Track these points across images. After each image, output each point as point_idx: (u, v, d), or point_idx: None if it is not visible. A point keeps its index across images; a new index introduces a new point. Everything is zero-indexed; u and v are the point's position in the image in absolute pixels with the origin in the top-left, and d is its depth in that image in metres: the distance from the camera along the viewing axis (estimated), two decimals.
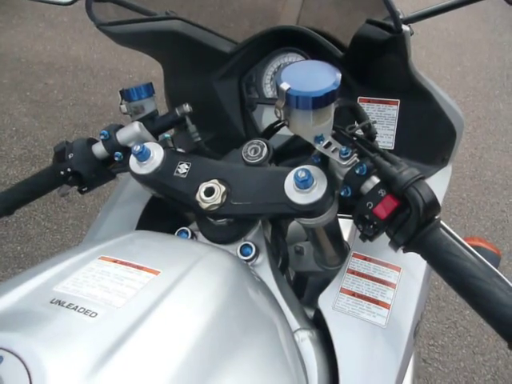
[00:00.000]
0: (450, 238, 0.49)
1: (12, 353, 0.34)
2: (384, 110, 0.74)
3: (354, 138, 0.55)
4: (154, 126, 0.72)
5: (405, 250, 0.52)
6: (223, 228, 0.63)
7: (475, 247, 0.71)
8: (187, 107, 0.70)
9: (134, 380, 0.35)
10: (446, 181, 0.77)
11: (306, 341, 0.56)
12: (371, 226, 0.52)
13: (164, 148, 0.65)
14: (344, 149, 0.53)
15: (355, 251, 0.65)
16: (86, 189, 0.73)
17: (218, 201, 0.59)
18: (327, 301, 0.61)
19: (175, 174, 0.62)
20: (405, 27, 0.62)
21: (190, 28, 0.77)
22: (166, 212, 0.76)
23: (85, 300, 0.41)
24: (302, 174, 0.54)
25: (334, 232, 0.69)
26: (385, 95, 0.73)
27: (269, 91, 0.84)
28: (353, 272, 0.63)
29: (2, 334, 0.36)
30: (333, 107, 0.53)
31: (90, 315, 0.39)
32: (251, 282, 0.55)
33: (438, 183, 0.76)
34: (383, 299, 0.60)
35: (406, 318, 0.59)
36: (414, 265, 0.63)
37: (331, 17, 0.86)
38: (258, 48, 0.81)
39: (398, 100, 0.73)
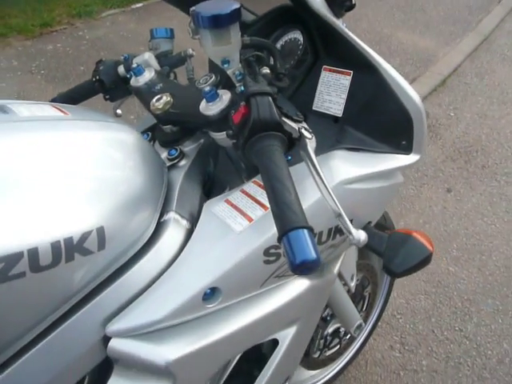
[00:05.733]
0: (279, 151, 0.58)
1: None
2: (339, 80, 0.81)
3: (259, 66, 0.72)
4: (166, 61, 0.90)
5: (244, 155, 0.61)
6: (168, 134, 0.79)
7: (407, 234, 0.77)
8: (190, 50, 0.90)
9: None
10: (400, 163, 0.80)
11: (170, 221, 0.66)
12: (231, 131, 0.64)
13: (156, 72, 0.81)
14: (238, 72, 0.70)
15: (256, 179, 0.73)
16: (108, 97, 0.93)
17: (161, 106, 0.75)
18: (211, 205, 0.71)
19: (153, 89, 0.79)
20: None
21: None
22: None
23: None
24: (207, 89, 0.67)
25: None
26: (344, 66, 0.81)
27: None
28: (243, 192, 0.71)
29: None
30: (232, 34, 0.65)
31: None
32: (146, 157, 0.67)
33: (389, 160, 0.80)
34: (250, 214, 0.67)
35: (261, 234, 0.66)
36: None
37: None
38: (272, 21, 0.93)
39: (351, 71, 0.80)
